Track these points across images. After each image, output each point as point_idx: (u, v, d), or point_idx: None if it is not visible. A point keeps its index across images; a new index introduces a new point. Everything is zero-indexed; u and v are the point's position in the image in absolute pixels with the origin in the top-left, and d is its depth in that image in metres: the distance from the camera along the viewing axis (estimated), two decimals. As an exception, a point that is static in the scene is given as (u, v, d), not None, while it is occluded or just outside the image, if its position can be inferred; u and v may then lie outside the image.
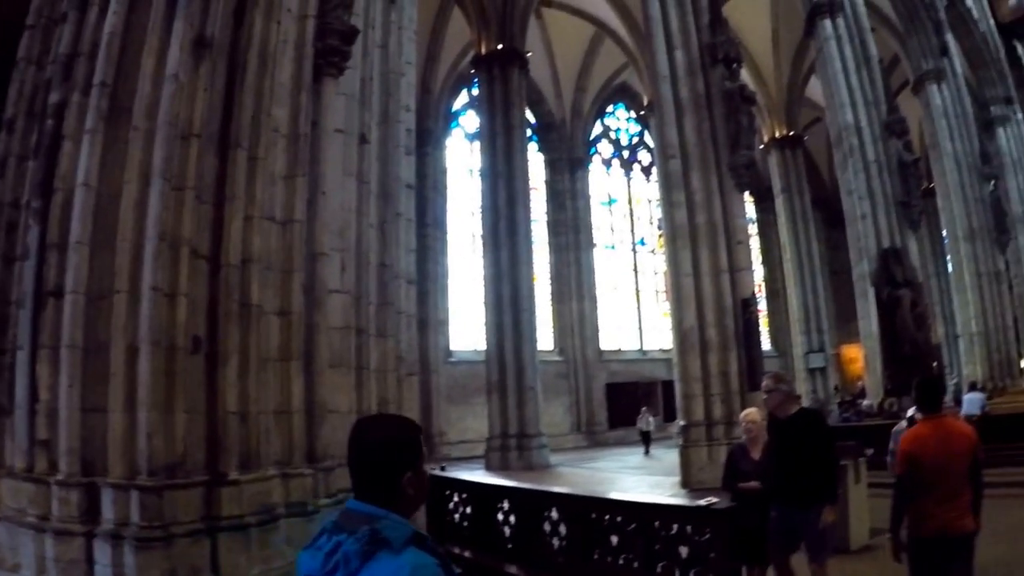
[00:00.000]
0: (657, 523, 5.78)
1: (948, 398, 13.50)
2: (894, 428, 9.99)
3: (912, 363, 15.92)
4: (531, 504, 7.55)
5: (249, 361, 6.72)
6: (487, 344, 20.71)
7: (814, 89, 26.92)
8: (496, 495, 8.24)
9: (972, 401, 14.83)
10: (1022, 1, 30.81)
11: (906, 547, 4.65)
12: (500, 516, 7.96)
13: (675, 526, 5.69)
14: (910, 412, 8.84)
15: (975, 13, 28.54)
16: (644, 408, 24.50)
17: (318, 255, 7.96)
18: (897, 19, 24.33)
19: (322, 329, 7.90)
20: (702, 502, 5.68)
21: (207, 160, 6.58)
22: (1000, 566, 6.70)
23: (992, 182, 23.79)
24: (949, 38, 24.76)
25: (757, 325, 14.69)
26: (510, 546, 7.77)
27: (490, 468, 18.87)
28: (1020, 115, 28.69)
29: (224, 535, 6.22)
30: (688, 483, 13.32)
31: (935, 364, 17.96)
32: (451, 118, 28.81)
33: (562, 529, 6.93)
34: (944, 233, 26.66)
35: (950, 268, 26.54)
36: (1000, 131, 27.24)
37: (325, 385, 7.87)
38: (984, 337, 21.99)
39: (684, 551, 5.58)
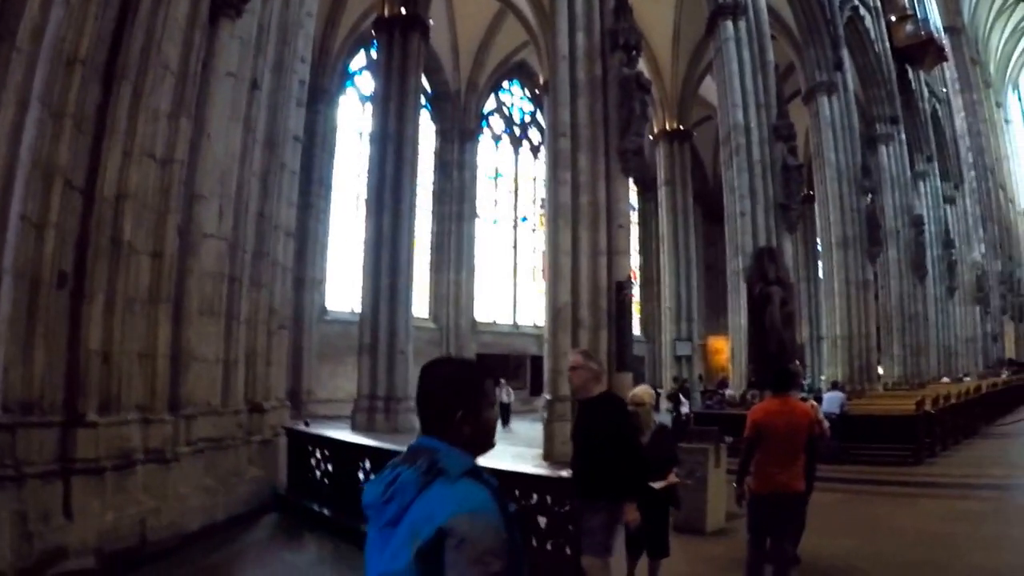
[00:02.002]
0: (517, 491, 5.88)
1: (809, 396, 14.36)
2: None
3: (777, 359, 16.69)
4: None
5: (116, 301, 6.66)
6: (362, 306, 20.76)
7: (708, 88, 28.06)
8: (358, 454, 8.37)
9: (832, 400, 15.46)
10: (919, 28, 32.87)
11: (747, 497, 5.84)
12: (362, 476, 8.09)
13: (535, 495, 5.81)
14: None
15: (873, 34, 30.36)
16: (503, 380, 25.00)
17: (196, 198, 7.92)
18: (797, 30, 25.56)
19: (194, 274, 7.89)
20: (564, 473, 5.77)
21: (91, 90, 6.46)
22: (851, 557, 7.24)
23: (869, 196, 25.41)
24: (845, 54, 26.23)
25: (629, 309, 15.17)
26: None
27: (356, 428, 18.96)
28: (903, 135, 30.70)
29: (79, 478, 6.16)
30: (551, 456, 13.59)
31: (798, 362, 19.04)
32: (347, 78, 28.52)
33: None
34: (818, 239, 28.28)
35: (820, 273, 28.17)
36: (883, 148, 29.15)
37: (193, 332, 7.86)
38: (847, 341, 23.52)
39: (543, 521, 5.74)
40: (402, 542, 1.78)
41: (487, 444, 2.03)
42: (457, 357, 2.17)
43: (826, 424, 13.41)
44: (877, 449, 13.85)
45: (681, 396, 19.10)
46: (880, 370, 25.16)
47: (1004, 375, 33.74)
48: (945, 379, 27.80)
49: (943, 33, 40.09)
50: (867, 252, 24.51)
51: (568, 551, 5.55)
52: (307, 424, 11.32)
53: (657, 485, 5.59)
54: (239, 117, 8.75)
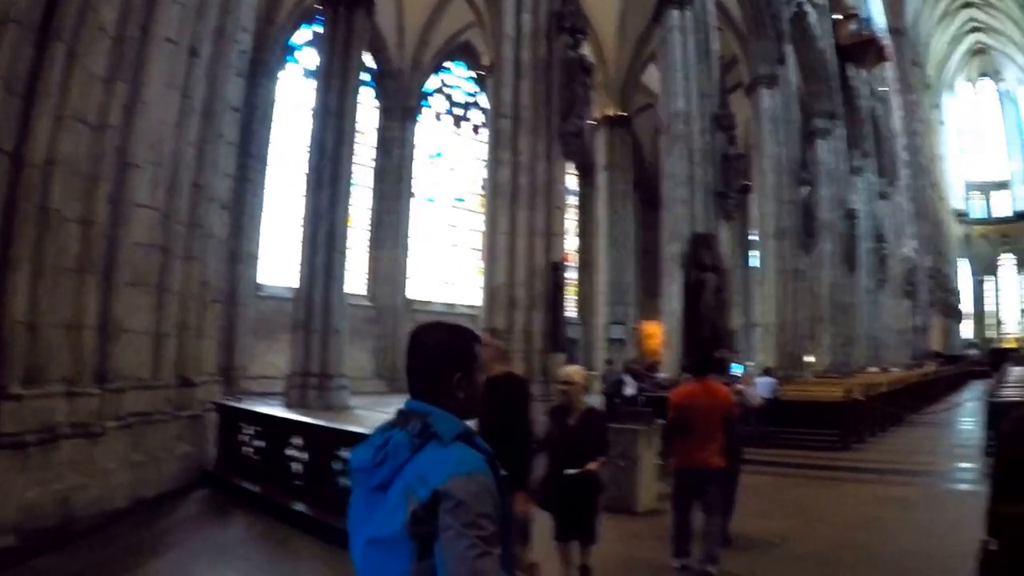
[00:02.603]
0: None
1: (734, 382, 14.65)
2: None
3: (710, 344, 17.08)
4: (323, 442, 7.64)
5: (43, 269, 6.52)
6: (299, 282, 20.58)
7: (650, 76, 28.39)
8: (289, 430, 8.34)
9: (764, 385, 15.71)
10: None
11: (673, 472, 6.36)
12: (292, 452, 8.06)
13: None
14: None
15: (817, 30, 30.94)
16: None
17: (129, 166, 7.75)
18: (743, 22, 25.93)
19: (125, 244, 7.74)
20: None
21: (23, 50, 6.27)
22: (785, 540, 7.45)
23: (806, 188, 25.97)
24: (789, 49, 26.74)
25: (564, 290, 15.44)
26: (300, 483, 7.87)
27: (289, 405, 18.78)
28: (841, 131, 31.42)
29: (1, 453, 6.04)
30: None
31: (730, 348, 19.43)
32: (289, 52, 28.02)
33: (352, 469, 7.09)
34: (754, 228, 28.84)
35: (755, 262, 28.74)
36: (821, 143, 29.82)
37: (123, 303, 7.71)
38: (779, 329, 24.10)
39: None
40: (394, 505, 1.79)
41: (477, 409, 2.07)
42: (447, 322, 2.18)
43: (757, 401, 13.87)
44: (807, 434, 14.21)
45: (627, 377, 19.31)
46: (810, 358, 25.76)
47: (930, 366, 34.89)
48: (873, 369, 28.63)
49: (886, 34, 41.16)
50: (801, 243, 25.16)
51: None
52: (239, 400, 11.21)
53: (571, 472, 5.41)
54: (176, 85, 8.58)
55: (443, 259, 33.15)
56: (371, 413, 18.48)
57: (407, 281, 29.95)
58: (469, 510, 1.73)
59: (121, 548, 6.68)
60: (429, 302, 31.22)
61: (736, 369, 19.13)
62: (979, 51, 66.45)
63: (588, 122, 17.63)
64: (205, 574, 6.31)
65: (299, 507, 7.53)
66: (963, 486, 11.21)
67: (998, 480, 4.29)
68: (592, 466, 5.45)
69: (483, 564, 1.71)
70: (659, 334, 23.74)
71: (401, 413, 1.96)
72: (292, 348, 20.19)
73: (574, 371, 5.92)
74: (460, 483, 1.75)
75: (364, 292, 28.40)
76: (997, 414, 12.63)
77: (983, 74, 68.20)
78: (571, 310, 29.56)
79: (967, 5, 60.67)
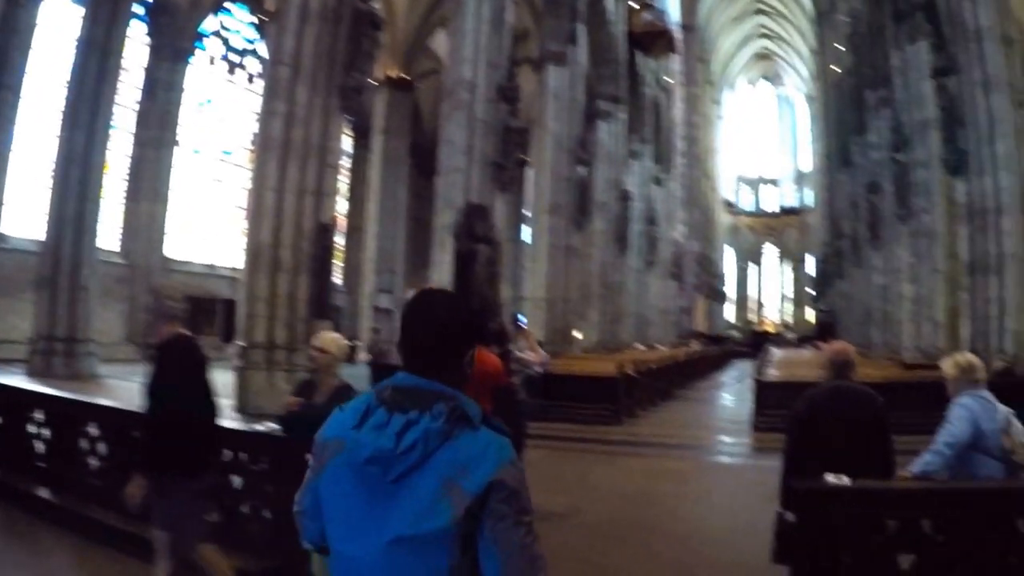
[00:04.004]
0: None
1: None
2: None
3: (479, 316, 17.49)
4: (69, 417, 7.00)
5: None
6: (47, 234, 19.01)
7: (439, 42, 28.36)
8: (28, 403, 7.59)
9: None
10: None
11: None
12: (32, 429, 7.32)
13: (228, 452, 5.37)
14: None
15: (612, 15, 32.04)
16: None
17: None
18: (539, -2, 26.42)
19: None
20: (259, 427, 5.37)
21: None
22: (567, 514, 7.45)
23: (583, 167, 27.01)
24: (582, 29, 27.37)
25: (332, 254, 15.06)
26: (43, 465, 7.17)
27: (33, 374, 17.33)
28: (623, 115, 32.90)
29: None
30: (245, 408, 12.89)
31: (499, 319, 19.93)
32: (57, -26, 25.67)
33: (102, 448, 6.44)
34: (528, 203, 29.69)
35: (528, 237, 29.63)
36: (602, 124, 31.03)
37: None
38: (548, 304, 24.92)
39: (238, 481, 5.37)
40: (431, 499, 1.66)
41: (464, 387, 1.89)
42: (448, 291, 2.04)
43: (538, 370, 14.06)
44: (580, 408, 14.51)
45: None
46: (579, 334, 26.92)
47: (695, 346, 37.50)
48: (640, 346, 30.05)
49: (678, 28, 43.41)
50: (575, 221, 26.03)
51: (267, 515, 5.20)
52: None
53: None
54: None
55: (206, 216, 31.44)
56: (124, 383, 17.26)
57: (165, 238, 27.80)
58: (522, 498, 1.71)
59: None
60: (188, 262, 29.52)
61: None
62: (764, 56, 71.62)
63: (370, 81, 17.39)
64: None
65: (43, 493, 6.80)
66: (735, 459, 12.00)
67: (792, 455, 4.63)
68: None
69: (538, 551, 1.71)
70: (427, 305, 23.84)
71: (404, 392, 1.78)
72: (36, 309, 18.73)
73: (331, 339, 5.16)
74: (510, 471, 1.71)
75: (117, 248, 26.20)
76: (764, 392, 13.92)
77: (765, 77, 73.67)
78: (338, 277, 29.05)
79: (760, 12, 64.98)
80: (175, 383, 4.29)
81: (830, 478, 3.71)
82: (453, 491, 1.65)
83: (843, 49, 36.66)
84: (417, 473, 1.67)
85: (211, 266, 30.71)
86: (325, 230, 14.33)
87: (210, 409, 4.48)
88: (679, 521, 7.58)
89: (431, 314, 1.85)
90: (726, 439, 13.69)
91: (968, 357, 4.81)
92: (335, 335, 5.37)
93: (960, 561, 3.45)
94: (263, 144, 14.50)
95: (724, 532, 7.12)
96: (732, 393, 22.06)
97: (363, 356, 20.26)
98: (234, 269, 26.79)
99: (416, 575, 1.67)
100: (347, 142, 34.08)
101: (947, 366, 4.79)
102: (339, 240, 30.85)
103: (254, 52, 33.03)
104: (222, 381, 15.49)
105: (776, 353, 25.99)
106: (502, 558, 1.66)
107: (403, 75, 31.70)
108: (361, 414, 1.77)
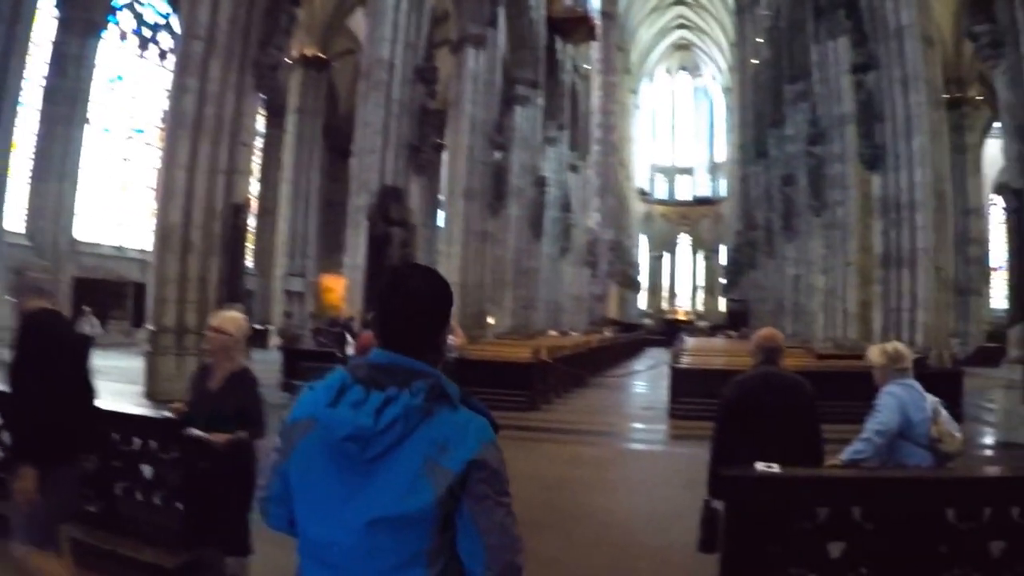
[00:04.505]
0: (117, 436, 5.27)
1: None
2: None
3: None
4: None
5: None
6: (-50, 215, 18.22)
7: (357, 22, 28.10)
8: None
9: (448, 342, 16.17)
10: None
11: None
12: None
13: (137, 440, 5.21)
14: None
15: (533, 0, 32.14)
16: (86, 308, 23.06)
17: None
18: (460, -21, 26.35)
19: None
20: (168, 413, 4.92)
21: None
22: None
23: (500, 152, 27.18)
24: (501, 13, 27.46)
25: (244, 236, 14.92)
26: None
27: None
28: (540, 101, 33.16)
29: None
30: (154, 394, 12.62)
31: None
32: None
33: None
34: (443, 187, 29.69)
35: (442, 221, 29.64)
36: (519, 109, 31.29)
37: None
38: (463, 289, 24.94)
39: (147, 471, 5.17)
40: (411, 478, 1.65)
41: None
42: (423, 265, 1.98)
43: (454, 355, 14.14)
44: (495, 394, 14.14)
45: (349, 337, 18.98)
46: (491, 319, 27.10)
47: (608, 333, 38.14)
48: (553, 332, 30.42)
49: (598, 15, 43.89)
50: (490, 205, 26.17)
51: (179, 506, 4.91)
52: None
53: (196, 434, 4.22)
54: None
55: (116, 197, 30.67)
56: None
57: (74, 219, 26.96)
58: (501, 477, 1.72)
59: None
60: (97, 244, 28.87)
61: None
62: (683, 46, 72.68)
63: (285, 59, 17.12)
64: None
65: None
66: (653, 447, 12.11)
67: (720, 442, 4.62)
68: (217, 437, 4.14)
69: (517, 532, 1.72)
70: (339, 288, 23.65)
71: (380, 368, 1.75)
72: (-68, 294, 17.91)
73: (230, 319, 4.57)
74: (491, 451, 1.72)
75: (22, 230, 25.17)
76: (680, 379, 14.12)
77: (683, 68, 74.84)
78: (249, 260, 28.59)
79: (679, 3, 66.01)
80: (35, 361, 3.92)
81: (760, 467, 3.63)
82: (435, 470, 1.64)
83: (762, 42, 37.58)
84: (397, 451, 1.65)
85: (121, 248, 29.95)
86: (237, 211, 14.19)
87: (76, 390, 4.09)
88: (601, 508, 7.60)
89: (408, 290, 1.81)
90: (643, 426, 13.81)
91: (896, 345, 4.77)
92: (235, 314, 4.83)
93: (890, 549, 3.44)
94: (174, 121, 14.22)
95: (649, 519, 7.17)
96: (646, 380, 22.26)
97: (275, 341, 20.12)
98: (144, 252, 26.03)
99: (393, 559, 1.65)
100: (260, 122, 33.26)
101: (874, 355, 4.75)
102: (251, 222, 30.36)
103: (168, 26, 32.02)
104: (132, 367, 14.90)
105: (689, 341, 26.59)
106: (482, 539, 1.66)
107: (319, 54, 31.46)
108: (336, 392, 1.72)
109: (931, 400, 4.50)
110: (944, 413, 4.48)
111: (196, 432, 4.17)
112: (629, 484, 8.91)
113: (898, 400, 4.41)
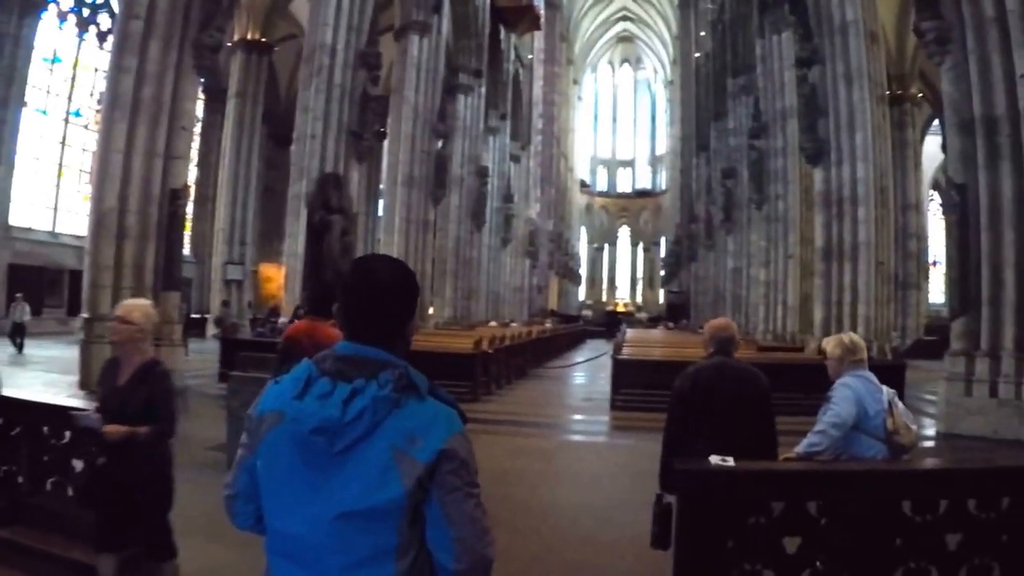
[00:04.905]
0: (47, 428, 5.07)
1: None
2: None
3: (331, 287, 17.24)
4: None
5: None
6: None
7: (300, 6, 27.83)
8: None
9: None
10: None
11: None
12: None
13: (68, 433, 4.93)
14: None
15: (477, -12, 32.06)
16: (19, 295, 22.28)
17: None
18: (404, -34, 26.23)
19: None
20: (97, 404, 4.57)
21: None
22: None
23: (441, 141, 27.24)
24: (445, 0, 27.49)
25: (182, 222, 14.75)
26: None
27: None
28: (483, 90, 33.26)
29: None
30: (89, 384, 12.24)
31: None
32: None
33: None
34: (384, 175, 29.64)
35: (381, 209, 29.61)
36: (461, 98, 31.40)
37: None
38: (402, 278, 25.07)
39: (79, 465, 4.87)
40: (379, 471, 1.62)
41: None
42: (387, 256, 1.94)
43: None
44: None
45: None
46: (432, 309, 27.16)
47: (548, 324, 38.46)
48: (493, 323, 30.47)
49: (542, 5, 44.04)
50: (431, 194, 26.18)
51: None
52: None
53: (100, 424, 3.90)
54: None
55: (51, 181, 29.91)
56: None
57: (8, 204, 26.50)
58: (470, 468, 1.70)
59: None
60: (30, 229, 28.13)
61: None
62: (626, 39, 73.61)
63: (226, 41, 16.88)
64: None
65: None
66: (596, 438, 12.19)
67: (673, 434, 4.55)
68: (111, 428, 3.85)
69: (487, 523, 1.71)
70: (278, 277, 23.45)
71: (347, 360, 1.73)
72: None
73: (136, 307, 4.25)
74: (460, 441, 1.70)
75: None
76: (621, 371, 14.29)
77: (625, 60, 75.64)
78: (186, 247, 28.16)
79: (623, -5, 66.72)
80: None
81: (715, 460, 3.53)
82: (404, 461, 1.62)
83: (706, 36, 38.12)
84: (365, 443, 1.63)
85: (55, 234, 29.21)
86: (175, 196, 14.00)
87: None
88: (548, 499, 7.59)
89: (375, 279, 1.78)
90: (585, 417, 13.85)
91: (852, 337, 4.68)
92: (142, 301, 4.51)
93: (846, 543, 3.40)
94: (111, 102, 13.89)
95: (598, 510, 7.10)
96: (587, 371, 22.45)
97: (212, 330, 19.85)
98: (80, 238, 25.45)
99: (363, 552, 1.63)
100: (200, 106, 32.66)
101: (830, 346, 4.65)
102: (189, 209, 29.89)
103: (107, 5, 31.21)
104: (67, 356, 14.55)
105: (630, 333, 26.89)
106: (452, 530, 1.65)
107: (261, 38, 31.02)
108: (302, 384, 1.70)
109: (887, 392, 4.44)
110: (900, 405, 4.44)
111: (87, 421, 3.97)
112: (574, 476, 8.88)
113: (854, 392, 4.34)
